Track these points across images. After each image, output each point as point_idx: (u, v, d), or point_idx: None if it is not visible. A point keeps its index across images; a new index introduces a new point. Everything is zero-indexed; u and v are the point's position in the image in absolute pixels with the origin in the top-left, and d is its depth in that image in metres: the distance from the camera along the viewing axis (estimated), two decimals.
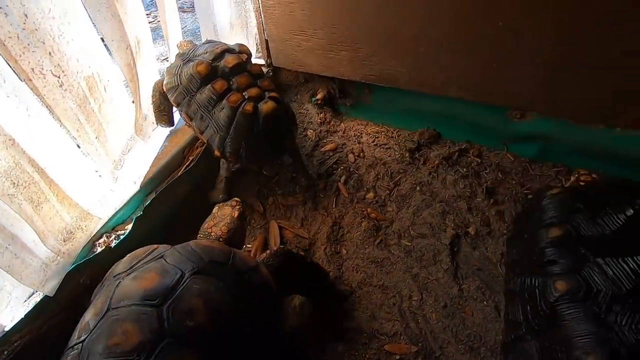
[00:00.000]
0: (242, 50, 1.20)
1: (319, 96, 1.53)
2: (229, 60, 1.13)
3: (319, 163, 1.47)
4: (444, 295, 1.09)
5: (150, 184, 1.16)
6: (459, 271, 1.13)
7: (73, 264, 0.95)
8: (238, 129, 1.10)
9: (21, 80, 0.76)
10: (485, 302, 1.06)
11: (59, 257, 0.90)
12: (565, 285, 0.75)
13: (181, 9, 2.36)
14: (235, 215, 1.03)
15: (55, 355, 0.93)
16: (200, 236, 0.97)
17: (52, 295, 0.87)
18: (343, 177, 1.41)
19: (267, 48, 1.48)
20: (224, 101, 1.09)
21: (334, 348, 1.01)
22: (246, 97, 1.11)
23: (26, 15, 0.74)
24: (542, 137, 1.30)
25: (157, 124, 1.24)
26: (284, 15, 1.34)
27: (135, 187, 1.11)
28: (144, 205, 1.10)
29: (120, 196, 1.08)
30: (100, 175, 1.02)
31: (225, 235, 0.96)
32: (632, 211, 0.77)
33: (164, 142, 1.28)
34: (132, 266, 0.74)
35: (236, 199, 1.10)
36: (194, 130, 1.18)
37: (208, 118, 1.12)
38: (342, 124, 1.59)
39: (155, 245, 0.81)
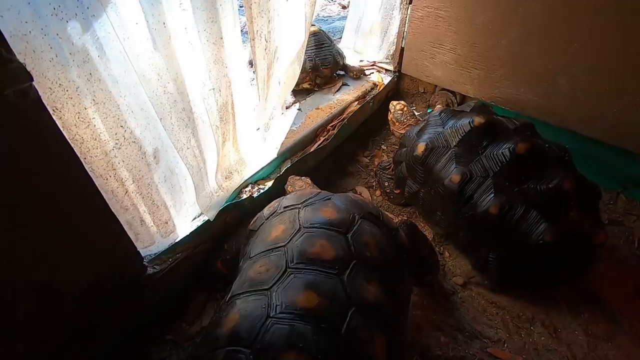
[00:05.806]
0: None
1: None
2: None
3: None
4: (557, 321, 1.09)
5: (287, 153, 1.29)
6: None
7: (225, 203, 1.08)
8: None
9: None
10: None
11: (220, 191, 1.03)
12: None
13: (341, 4, 2.75)
14: (309, 182, 1.14)
15: (194, 275, 1.07)
16: None
17: (212, 220, 1.00)
18: None
19: (401, 55, 1.59)
20: None
21: (436, 337, 1.05)
22: None
23: None
24: None
25: None
26: (429, 28, 1.45)
27: (276, 152, 1.25)
28: (282, 169, 1.23)
29: (267, 156, 1.21)
30: (258, 129, 1.16)
31: None
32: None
33: (294, 119, 1.43)
34: (304, 201, 0.84)
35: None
36: None
37: None
38: None
39: (317, 190, 0.91)
